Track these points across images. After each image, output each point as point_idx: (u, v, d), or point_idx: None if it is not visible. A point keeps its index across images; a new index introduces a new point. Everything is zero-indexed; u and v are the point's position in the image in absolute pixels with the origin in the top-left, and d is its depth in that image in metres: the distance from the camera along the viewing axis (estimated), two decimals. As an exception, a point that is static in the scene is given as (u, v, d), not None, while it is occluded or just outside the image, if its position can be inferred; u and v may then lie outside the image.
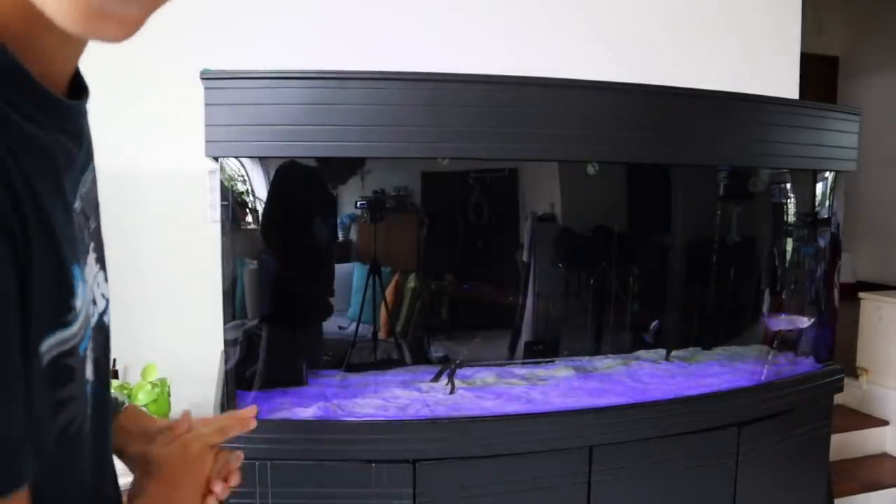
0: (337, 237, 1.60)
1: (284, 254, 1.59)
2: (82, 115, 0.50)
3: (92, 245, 0.53)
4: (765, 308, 2.01)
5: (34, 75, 0.41)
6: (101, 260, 0.56)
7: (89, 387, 0.51)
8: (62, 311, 0.44)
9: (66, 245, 0.45)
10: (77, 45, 0.47)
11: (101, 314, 0.55)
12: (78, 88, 0.49)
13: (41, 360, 0.42)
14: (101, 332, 0.54)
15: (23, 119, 0.41)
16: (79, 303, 0.46)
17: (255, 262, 1.53)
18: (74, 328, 0.45)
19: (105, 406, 0.57)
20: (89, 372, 0.51)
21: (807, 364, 1.96)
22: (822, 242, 2.03)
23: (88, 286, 0.50)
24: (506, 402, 1.56)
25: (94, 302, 0.53)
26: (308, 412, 1.45)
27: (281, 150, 1.38)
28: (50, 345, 0.43)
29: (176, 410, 1.81)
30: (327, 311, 1.59)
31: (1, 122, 0.39)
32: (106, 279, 0.57)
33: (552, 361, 1.76)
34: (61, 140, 0.46)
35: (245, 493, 1.39)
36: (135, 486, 0.70)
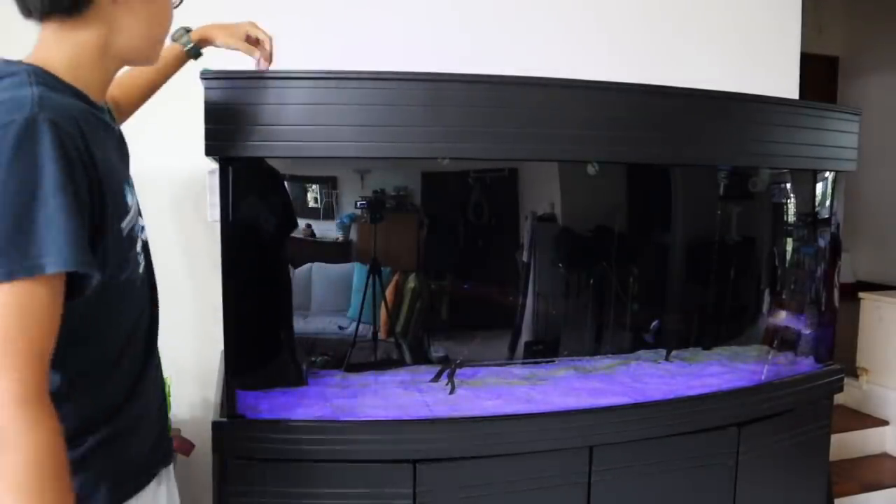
0: (337, 237, 1.60)
1: (284, 254, 1.59)
2: (109, 111, 0.99)
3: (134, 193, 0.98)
4: (765, 308, 2.01)
5: (89, 96, 0.91)
6: (137, 203, 0.99)
7: (142, 266, 0.98)
8: (123, 205, 0.90)
9: (119, 171, 0.92)
10: (110, 80, 0.96)
11: (144, 236, 1.00)
12: None
13: (122, 232, 0.89)
14: (146, 247, 1.01)
15: (89, 109, 0.89)
16: (129, 201, 0.93)
17: (256, 261, 1.53)
18: (130, 215, 0.92)
19: (152, 287, 1.04)
20: (141, 256, 0.97)
21: (807, 364, 1.96)
22: (822, 242, 2.03)
23: (133, 199, 0.95)
24: (506, 402, 1.56)
25: (143, 227, 1.00)
26: (308, 412, 1.45)
27: (281, 150, 1.38)
28: (123, 225, 0.89)
29: (176, 410, 1.81)
30: (328, 311, 1.59)
31: (81, 110, 0.86)
32: (141, 216, 1.00)
33: (552, 361, 1.76)
34: (111, 123, 0.97)
35: (245, 492, 1.39)
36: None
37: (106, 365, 0.92)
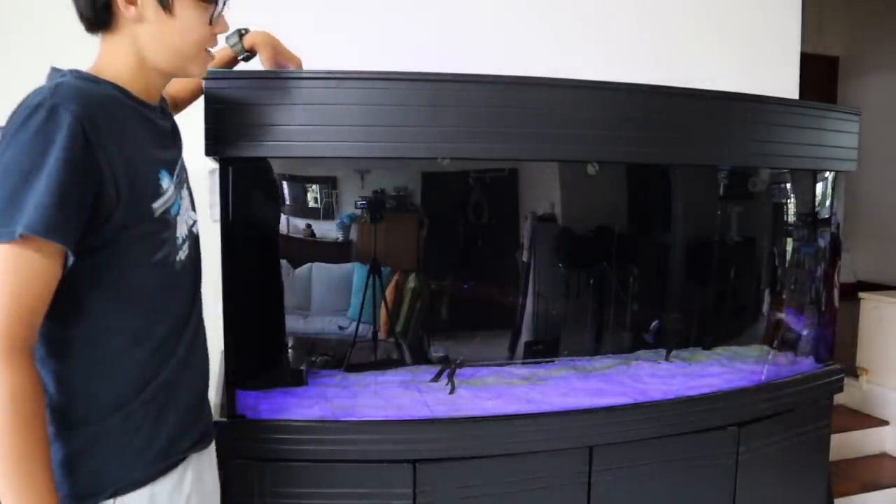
0: (337, 237, 1.60)
1: (285, 253, 1.59)
2: (161, 111, 1.09)
3: (185, 184, 1.13)
4: (765, 308, 2.01)
5: (138, 96, 1.02)
6: (190, 197, 1.14)
7: (185, 254, 1.06)
8: (158, 188, 1.00)
9: (152, 157, 1.01)
10: (162, 84, 1.07)
11: (191, 227, 1.11)
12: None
13: (154, 213, 0.98)
14: (193, 235, 1.11)
15: (126, 100, 1.00)
16: (165, 184, 1.01)
17: (256, 262, 1.53)
18: (165, 196, 1.01)
19: (196, 279, 1.12)
20: (184, 244, 1.06)
21: (807, 364, 1.96)
22: (822, 242, 2.03)
23: (170, 184, 1.03)
24: (506, 402, 1.56)
25: (192, 221, 1.12)
26: (308, 412, 1.45)
27: (281, 150, 1.38)
28: (156, 206, 0.99)
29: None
30: (328, 311, 1.59)
31: (114, 100, 0.97)
32: (194, 209, 1.14)
33: (552, 361, 1.76)
34: (153, 117, 1.05)
35: (245, 493, 1.39)
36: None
37: (138, 342, 0.98)
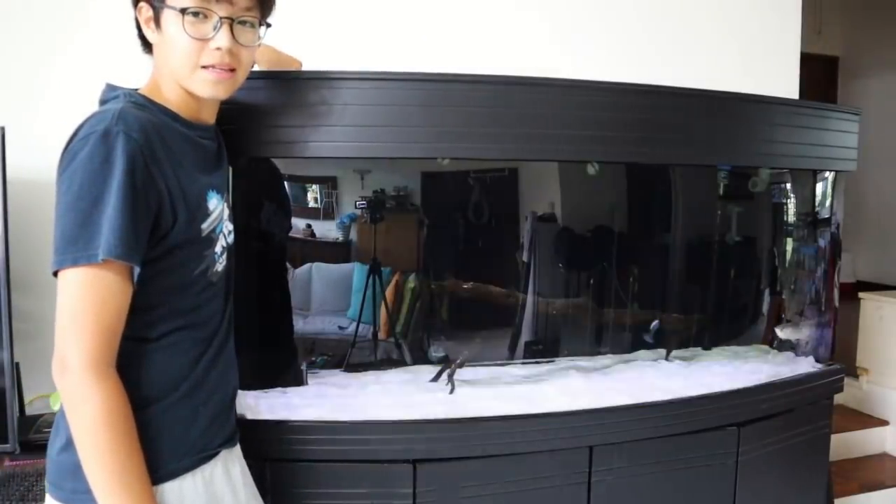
0: (338, 237, 1.60)
1: (284, 253, 1.59)
2: (209, 131, 1.13)
3: (225, 199, 1.12)
4: (765, 308, 2.01)
5: (187, 117, 1.06)
6: (229, 209, 1.15)
7: (222, 266, 1.10)
8: (206, 210, 1.04)
9: (199, 180, 1.04)
10: (205, 104, 1.09)
11: (228, 238, 1.13)
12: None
13: (202, 233, 1.03)
14: (229, 246, 1.13)
15: (181, 126, 1.05)
16: (212, 205, 1.06)
17: (256, 262, 1.53)
18: (212, 217, 1.05)
19: (228, 287, 1.15)
20: (221, 257, 1.09)
21: (807, 364, 1.96)
22: (822, 242, 2.03)
23: (219, 204, 1.08)
24: (506, 402, 1.56)
25: (229, 231, 1.14)
26: (308, 412, 1.45)
27: (281, 150, 1.38)
28: (204, 227, 1.03)
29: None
30: (329, 311, 1.59)
31: (161, 124, 1.00)
32: (231, 220, 1.15)
33: (552, 361, 1.76)
34: (198, 139, 1.08)
35: (245, 493, 1.39)
36: None
37: (174, 345, 1.03)
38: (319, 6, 2.10)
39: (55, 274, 0.91)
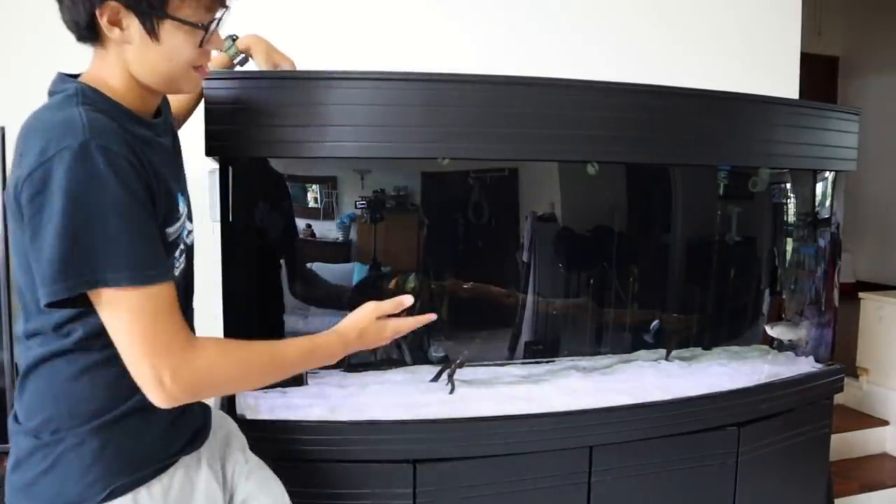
0: (338, 237, 1.60)
1: (284, 253, 1.59)
2: (162, 125, 1.06)
3: (187, 198, 1.09)
4: (765, 308, 2.01)
5: (137, 112, 0.99)
6: (189, 207, 1.11)
7: (180, 269, 1.05)
8: (174, 213, 1.00)
9: (170, 181, 1.00)
10: (156, 97, 1.04)
11: (187, 240, 1.08)
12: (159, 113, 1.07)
13: (168, 237, 0.99)
14: (188, 251, 1.09)
15: (138, 128, 0.98)
16: (181, 209, 1.03)
17: (256, 261, 1.53)
18: (178, 223, 1.02)
19: (187, 289, 1.12)
20: (182, 258, 1.05)
21: (807, 364, 1.96)
22: (822, 242, 2.03)
23: (185, 207, 1.05)
24: (506, 402, 1.56)
25: (189, 232, 1.09)
26: (308, 412, 1.45)
27: (281, 150, 1.38)
28: (170, 231, 0.99)
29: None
30: (329, 311, 1.59)
31: (126, 132, 0.93)
32: (191, 219, 1.11)
33: (552, 361, 1.76)
34: (156, 138, 1.02)
35: (245, 493, 1.39)
36: None
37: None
38: (320, 6, 2.10)
39: (62, 303, 0.86)
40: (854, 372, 3.12)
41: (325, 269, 1.62)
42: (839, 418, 2.46)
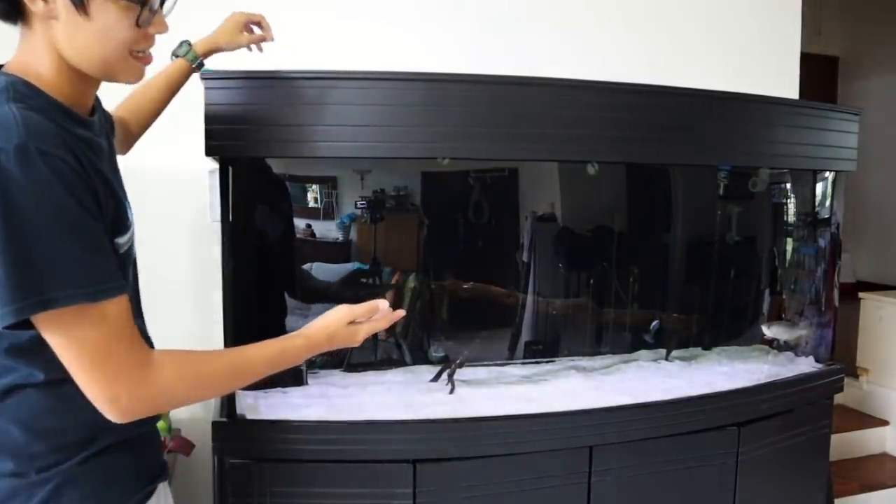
0: (338, 237, 1.60)
1: (284, 253, 1.59)
2: (97, 124, 0.95)
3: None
4: (765, 308, 2.01)
5: (73, 108, 0.89)
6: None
7: (131, 278, 0.98)
8: (124, 223, 0.91)
9: (118, 190, 0.92)
10: (93, 88, 0.93)
11: (133, 250, 0.99)
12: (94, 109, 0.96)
13: (120, 248, 0.90)
14: (131, 258, 0.99)
15: (77, 128, 0.87)
16: (131, 217, 0.94)
17: (256, 261, 1.53)
18: (129, 233, 0.93)
19: (136, 294, 1.05)
20: (132, 269, 0.99)
21: (807, 364, 1.96)
22: (822, 242, 2.03)
23: (131, 213, 0.95)
24: (506, 402, 1.56)
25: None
26: (308, 412, 1.45)
27: (281, 150, 1.38)
28: (120, 241, 0.90)
29: (176, 410, 1.81)
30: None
31: (66, 133, 0.82)
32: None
33: (552, 361, 1.76)
34: (93, 137, 0.91)
35: (245, 493, 1.39)
36: None
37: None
38: (320, 6, 2.10)
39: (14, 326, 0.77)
40: (854, 372, 3.12)
41: (325, 269, 1.62)
42: (839, 418, 2.46)
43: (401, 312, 1.12)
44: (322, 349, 1.04)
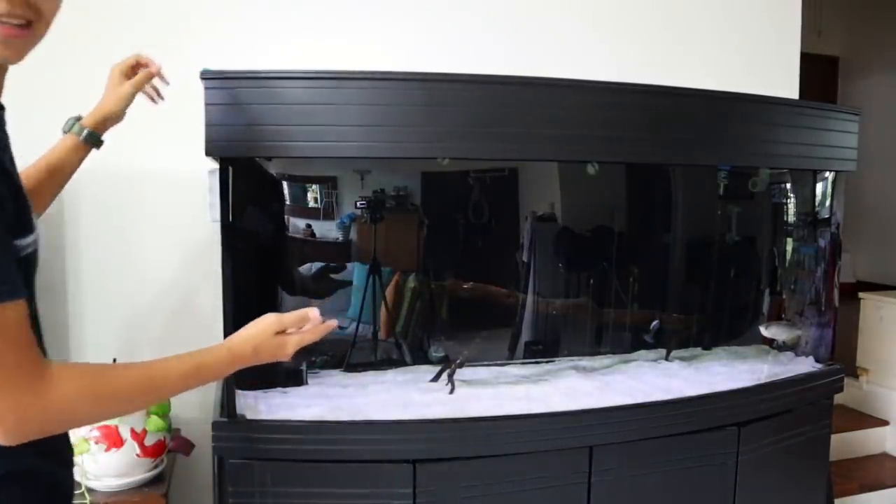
0: (338, 237, 1.60)
1: (284, 253, 1.60)
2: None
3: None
4: (765, 308, 2.01)
5: None
6: None
7: (33, 283, 0.86)
8: (27, 225, 0.81)
9: (23, 189, 0.82)
10: None
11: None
12: None
13: (22, 251, 0.79)
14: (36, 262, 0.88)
15: None
16: (35, 221, 0.83)
17: (256, 261, 1.53)
18: (33, 235, 0.82)
19: (33, 296, 0.89)
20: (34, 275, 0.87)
21: (807, 364, 1.96)
22: (822, 242, 2.03)
23: (37, 220, 0.84)
24: (506, 402, 1.56)
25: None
26: (308, 412, 1.45)
27: (281, 150, 1.38)
28: (24, 243, 0.80)
29: (176, 410, 1.81)
30: (330, 311, 1.59)
31: None
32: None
33: (552, 361, 1.76)
34: None
35: (245, 493, 1.39)
36: None
37: None
38: (319, 6, 2.09)
39: None
40: (854, 372, 3.12)
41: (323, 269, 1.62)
42: (839, 418, 2.46)
43: (333, 323, 1.06)
44: (247, 363, 0.97)
